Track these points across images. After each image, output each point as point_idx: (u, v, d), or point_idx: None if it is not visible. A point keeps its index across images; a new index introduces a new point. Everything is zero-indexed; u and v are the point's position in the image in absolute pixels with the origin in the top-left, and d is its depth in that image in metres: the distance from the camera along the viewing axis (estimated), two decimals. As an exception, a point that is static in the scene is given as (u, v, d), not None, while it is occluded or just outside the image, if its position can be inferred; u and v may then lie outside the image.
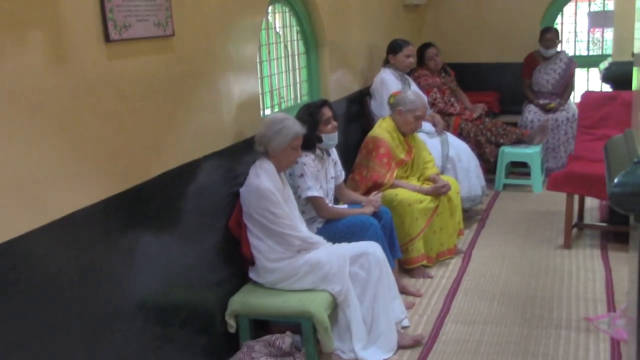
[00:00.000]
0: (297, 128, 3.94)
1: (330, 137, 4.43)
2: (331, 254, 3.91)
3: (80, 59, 2.71)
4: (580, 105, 5.97)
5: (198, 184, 3.59)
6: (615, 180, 2.29)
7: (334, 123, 4.47)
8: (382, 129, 5.17)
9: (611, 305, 4.38)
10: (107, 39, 2.82)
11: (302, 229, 3.98)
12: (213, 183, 3.75)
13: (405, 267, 4.96)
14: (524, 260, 5.23)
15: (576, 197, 5.67)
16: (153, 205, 3.23)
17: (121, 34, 2.89)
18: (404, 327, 4.13)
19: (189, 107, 3.49)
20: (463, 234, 5.56)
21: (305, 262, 3.85)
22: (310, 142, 4.30)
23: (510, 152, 7.05)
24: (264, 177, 3.83)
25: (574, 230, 5.67)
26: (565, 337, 3.99)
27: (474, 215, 6.29)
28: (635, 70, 2.73)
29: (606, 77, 5.93)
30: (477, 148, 6.82)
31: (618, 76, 5.74)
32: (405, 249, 4.91)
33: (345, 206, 4.62)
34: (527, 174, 7.18)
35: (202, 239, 3.66)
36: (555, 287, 4.72)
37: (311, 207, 4.36)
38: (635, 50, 2.67)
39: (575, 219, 5.72)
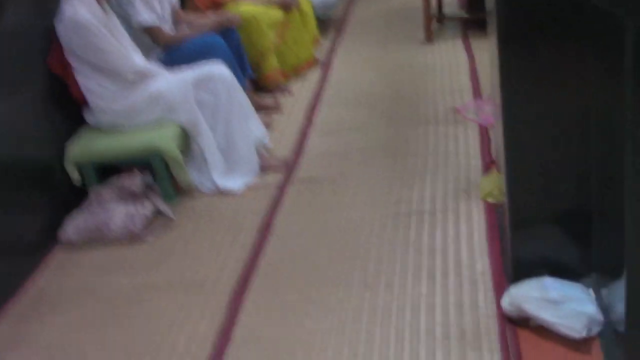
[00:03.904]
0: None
1: None
2: (172, 83, 3.51)
3: None
4: None
5: None
6: None
7: None
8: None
9: (477, 93, 4.21)
10: None
11: (135, 61, 3.52)
12: (19, 20, 3.23)
13: (261, 84, 4.61)
14: (387, 61, 4.99)
15: (433, -11, 5.40)
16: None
17: None
18: (266, 148, 3.82)
19: None
20: (320, 43, 5.22)
21: (143, 95, 3.45)
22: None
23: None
24: (79, 7, 3.30)
25: (435, 24, 5.43)
26: (434, 131, 3.81)
27: (331, 23, 5.93)
28: None
29: None
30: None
31: None
32: (258, 67, 4.53)
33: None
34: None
35: (21, 86, 3.20)
36: (421, 83, 4.51)
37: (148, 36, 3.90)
38: None
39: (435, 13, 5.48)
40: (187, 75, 3.57)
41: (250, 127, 3.64)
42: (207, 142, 3.53)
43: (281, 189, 3.47)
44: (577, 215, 2.34)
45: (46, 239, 3.26)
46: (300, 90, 4.68)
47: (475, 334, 2.34)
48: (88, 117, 3.53)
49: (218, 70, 3.60)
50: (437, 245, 2.85)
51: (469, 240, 2.84)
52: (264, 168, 3.64)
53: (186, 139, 3.54)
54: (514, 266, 2.45)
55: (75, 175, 3.43)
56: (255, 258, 2.96)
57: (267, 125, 3.98)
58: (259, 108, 4.07)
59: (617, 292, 2.10)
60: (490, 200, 3.04)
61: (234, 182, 3.54)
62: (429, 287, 2.61)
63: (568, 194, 2.32)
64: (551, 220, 2.37)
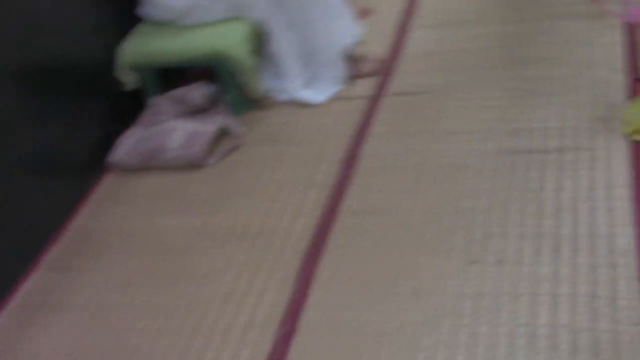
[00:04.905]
0: None
1: None
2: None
3: None
4: None
5: None
6: None
7: None
8: None
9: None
10: None
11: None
12: None
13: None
14: None
15: None
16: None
17: None
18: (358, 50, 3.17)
19: None
20: None
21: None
22: None
23: None
24: None
25: None
26: (565, 29, 3.09)
27: None
28: None
29: None
30: None
31: None
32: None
33: None
34: None
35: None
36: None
37: None
38: None
39: None
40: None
41: (339, 26, 2.99)
42: (284, 45, 2.92)
43: (372, 104, 2.87)
44: None
45: (94, 162, 2.80)
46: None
47: (612, 352, 1.77)
48: (143, 11, 2.95)
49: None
50: (564, 203, 2.23)
51: (607, 199, 2.21)
52: (353, 75, 3.02)
53: (259, 39, 2.95)
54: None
55: (127, 80, 2.91)
56: (336, 205, 2.42)
57: (365, 13, 3.30)
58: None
59: None
60: (638, 139, 2.37)
61: (316, 94, 2.95)
62: (551, 266, 2.03)
63: None
64: None
